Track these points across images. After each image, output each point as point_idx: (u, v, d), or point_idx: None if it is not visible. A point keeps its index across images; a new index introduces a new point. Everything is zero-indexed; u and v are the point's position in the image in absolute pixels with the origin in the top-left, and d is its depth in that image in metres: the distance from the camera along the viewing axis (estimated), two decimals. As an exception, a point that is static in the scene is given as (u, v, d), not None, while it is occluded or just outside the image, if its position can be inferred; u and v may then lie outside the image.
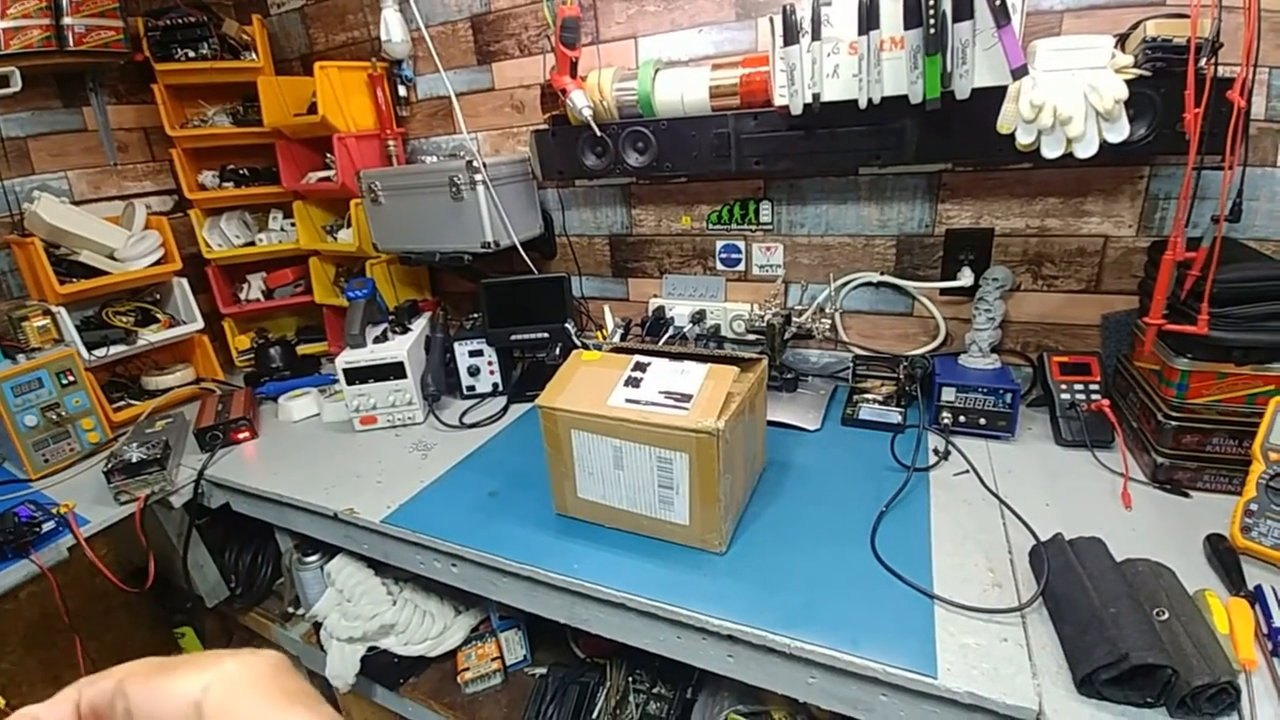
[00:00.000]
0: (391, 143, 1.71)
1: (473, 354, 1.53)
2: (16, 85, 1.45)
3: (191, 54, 1.65)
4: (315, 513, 1.18)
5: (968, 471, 1.06)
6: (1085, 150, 0.94)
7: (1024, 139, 0.95)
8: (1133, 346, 1.15)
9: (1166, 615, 0.70)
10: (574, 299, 1.61)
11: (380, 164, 1.70)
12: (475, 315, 1.63)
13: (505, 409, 1.47)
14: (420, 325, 1.57)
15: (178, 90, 1.72)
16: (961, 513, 0.97)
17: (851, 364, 1.38)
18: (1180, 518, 0.92)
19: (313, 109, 1.62)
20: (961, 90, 0.97)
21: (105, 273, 1.55)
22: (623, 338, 1.52)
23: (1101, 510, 0.95)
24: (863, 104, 1.05)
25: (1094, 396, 1.12)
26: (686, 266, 1.57)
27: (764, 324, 1.36)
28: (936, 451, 1.12)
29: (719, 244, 1.51)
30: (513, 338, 1.51)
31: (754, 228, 1.46)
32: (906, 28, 0.97)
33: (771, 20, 1.07)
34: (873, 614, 0.79)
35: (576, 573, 0.91)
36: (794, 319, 1.38)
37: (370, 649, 1.29)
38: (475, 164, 1.38)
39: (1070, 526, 0.86)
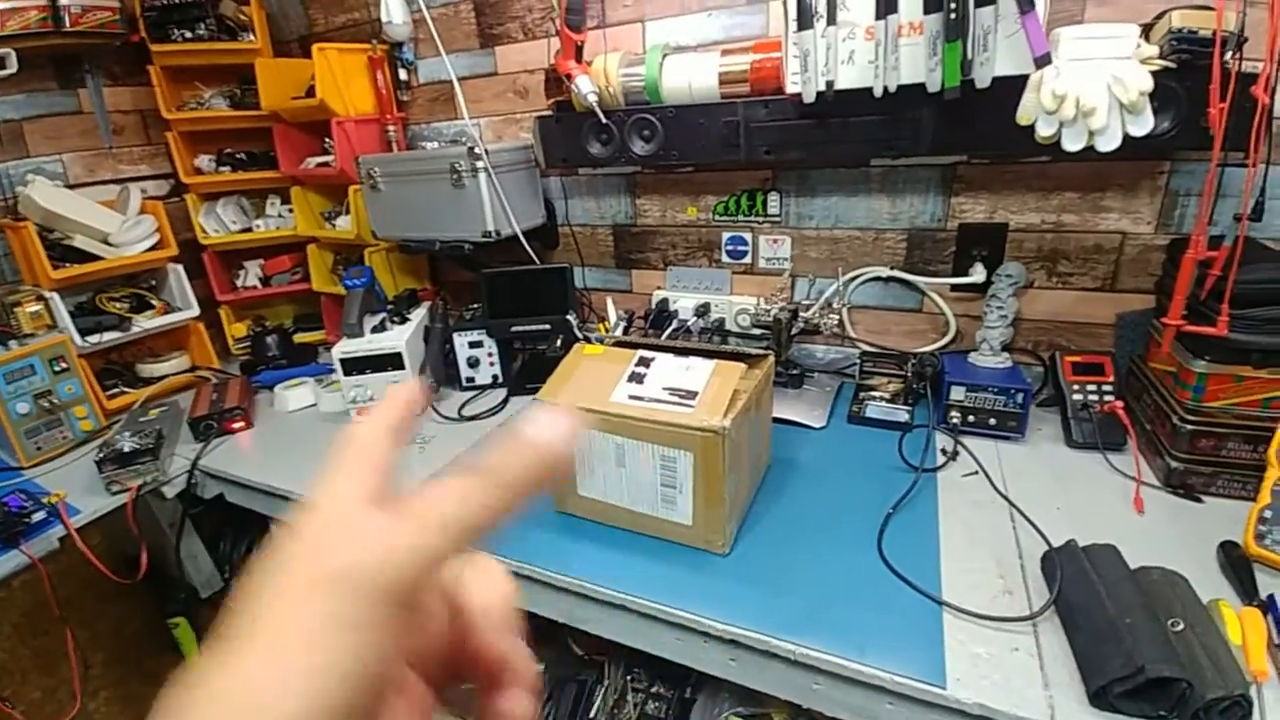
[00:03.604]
0: (391, 128, 1.67)
1: (472, 345, 1.51)
2: (12, 67, 1.42)
3: (188, 35, 1.61)
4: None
5: (977, 473, 1.04)
6: (1108, 143, 0.91)
7: (1045, 130, 0.92)
8: (1148, 347, 1.12)
9: (1181, 626, 0.68)
10: (576, 290, 1.58)
11: (380, 149, 1.67)
12: (475, 305, 1.60)
13: (505, 402, 1.45)
14: (419, 315, 1.54)
15: (174, 72, 1.68)
16: (971, 515, 0.94)
17: (858, 360, 1.36)
18: (1193, 524, 0.90)
19: (311, 92, 1.59)
20: (982, 79, 0.94)
21: (100, 258, 1.53)
22: (625, 330, 1.49)
23: (1113, 515, 0.93)
24: (878, 92, 1.02)
25: (1107, 398, 1.10)
26: (691, 258, 1.54)
27: (770, 319, 1.33)
28: (945, 451, 1.09)
29: (725, 236, 1.48)
30: (513, 329, 1.48)
31: (761, 219, 1.42)
32: (926, 12, 0.93)
33: (785, 3, 1.03)
34: (879, 620, 0.77)
35: (576, 572, 0.89)
36: (801, 314, 1.35)
37: (366, 643, 1.27)
38: (477, 150, 1.35)
39: (1081, 531, 0.84)
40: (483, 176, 1.36)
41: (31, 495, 1.18)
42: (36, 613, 1.23)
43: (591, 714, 1.14)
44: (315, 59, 1.54)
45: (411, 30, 1.62)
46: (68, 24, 1.47)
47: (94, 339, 1.50)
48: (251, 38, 1.69)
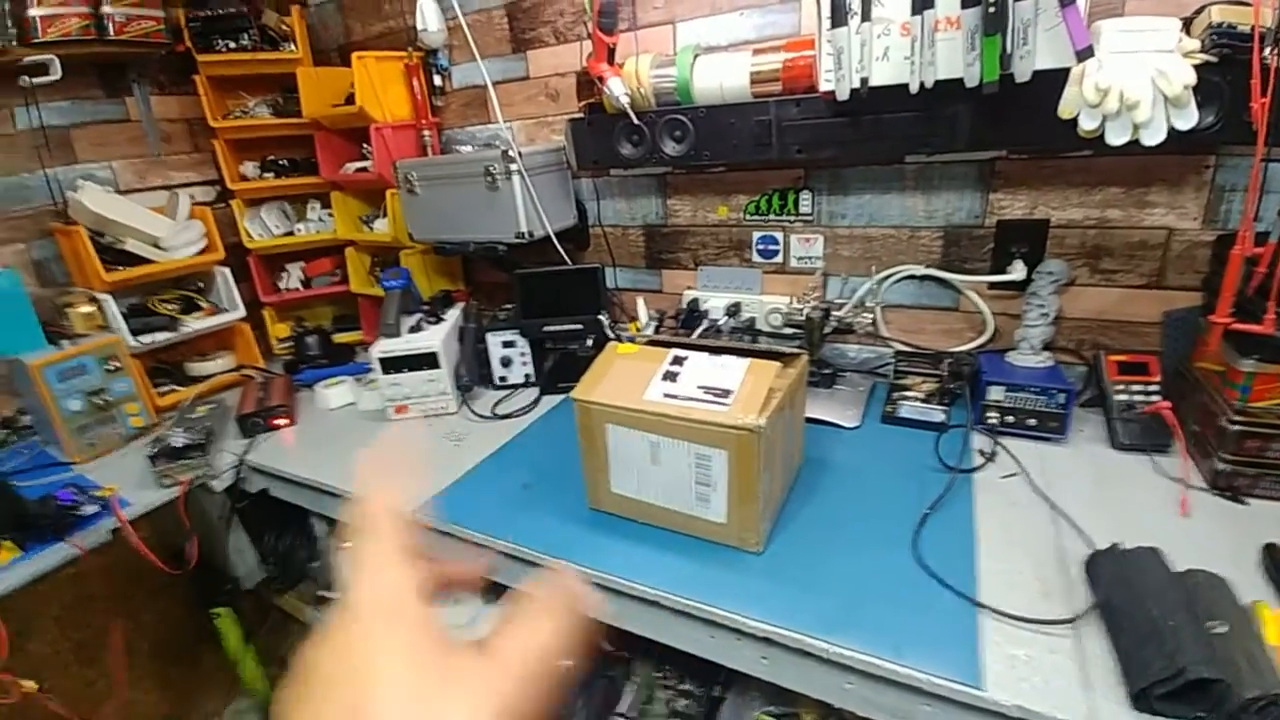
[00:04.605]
0: (427, 133, 1.71)
1: (505, 345, 1.53)
2: (56, 74, 1.45)
3: (232, 45, 1.67)
4: (350, 500, 1.18)
5: (1016, 474, 1.02)
6: (1153, 137, 0.89)
7: (1087, 125, 0.90)
8: (1194, 346, 1.09)
9: (1225, 629, 0.67)
10: (607, 290, 1.60)
11: (416, 154, 1.70)
12: (508, 306, 1.63)
13: (537, 400, 1.46)
14: (454, 315, 1.57)
15: (219, 81, 1.74)
16: (1009, 517, 0.93)
17: (892, 360, 1.34)
18: (1237, 526, 0.88)
19: (350, 99, 1.63)
20: (1022, 73, 0.92)
21: (151, 261, 1.59)
22: (656, 330, 1.50)
23: (1156, 517, 0.91)
24: (914, 88, 1.01)
25: (1153, 398, 1.07)
26: (722, 258, 1.54)
27: (802, 318, 1.33)
28: (982, 453, 1.08)
29: (756, 235, 1.47)
30: (545, 329, 1.50)
31: (793, 218, 1.42)
32: (964, 7, 0.92)
33: (819, 1, 1.03)
34: (915, 620, 0.76)
35: (610, 568, 0.90)
36: (833, 313, 1.34)
37: (402, 636, 1.30)
38: (510, 153, 1.37)
39: (1124, 533, 0.82)
40: (516, 179, 1.38)
41: (84, 489, 1.22)
42: (78, 606, 1.27)
43: (621, 710, 1.15)
44: (354, 67, 1.58)
45: (446, 37, 1.65)
46: (112, 33, 1.51)
47: (146, 339, 1.56)
48: (293, 48, 1.74)
